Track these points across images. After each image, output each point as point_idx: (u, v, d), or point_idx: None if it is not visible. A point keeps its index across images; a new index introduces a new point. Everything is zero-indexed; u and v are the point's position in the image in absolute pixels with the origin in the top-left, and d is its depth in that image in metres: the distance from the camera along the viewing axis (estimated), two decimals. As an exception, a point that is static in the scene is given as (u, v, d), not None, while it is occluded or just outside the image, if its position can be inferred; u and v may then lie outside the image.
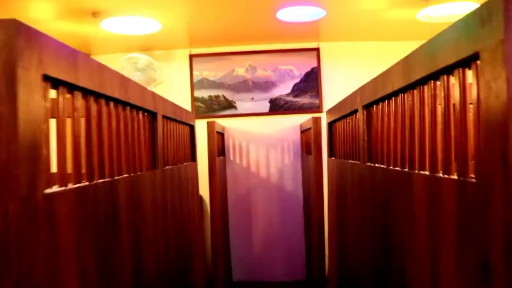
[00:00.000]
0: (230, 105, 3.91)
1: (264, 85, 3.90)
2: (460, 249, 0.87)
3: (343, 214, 2.26)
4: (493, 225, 0.74)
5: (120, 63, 3.48)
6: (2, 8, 2.72)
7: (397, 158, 1.31)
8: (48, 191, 0.79)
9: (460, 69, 0.87)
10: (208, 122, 2.99)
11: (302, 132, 3.72)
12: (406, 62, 1.14)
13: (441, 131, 0.99)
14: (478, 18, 0.74)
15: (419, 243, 1.10)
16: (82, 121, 1.02)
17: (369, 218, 1.64)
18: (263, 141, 3.94)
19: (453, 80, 0.92)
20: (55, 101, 0.89)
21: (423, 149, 1.11)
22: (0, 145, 0.68)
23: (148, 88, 3.59)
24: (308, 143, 3.30)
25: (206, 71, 3.91)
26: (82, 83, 0.94)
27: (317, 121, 2.81)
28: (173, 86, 3.89)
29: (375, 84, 1.49)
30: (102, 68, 1.06)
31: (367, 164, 1.65)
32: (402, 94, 1.25)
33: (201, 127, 3.24)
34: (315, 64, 3.89)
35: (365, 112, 1.67)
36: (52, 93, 0.89)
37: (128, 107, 1.31)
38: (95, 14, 2.91)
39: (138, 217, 1.36)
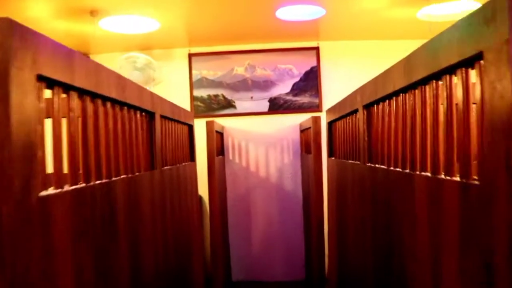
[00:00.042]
0: (229, 104, 3.89)
1: (264, 84, 3.89)
2: (462, 251, 0.86)
3: (343, 214, 2.25)
4: (496, 227, 0.72)
5: (119, 62, 3.46)
6: (0, 7, 2.70)
7: (398, 159, 1.30)
8: (43, 193, 0.78)
9: (463, 69, 0.85)
10: (207, 122, 2.98)
11: (302, 131, 3.70)
12: (408, 61, 1.13)
13: (443, 131, 0.98)
14: (482, 16, 0.72)
15: (421, 244, 1.09)
16: (79, 121, 1.01)
17: (369, 218, 1.63)
18: (263, 141, 3.93)
19: (456, 80, 0.90)
20: (50, 101, 0.88)
21: (424, 150, 1.09)
22: (-7, 147, 0.67)
23: (147, 88, 3.58)
24: (307, 142, 3.29)
25: (205, 70, 3.89)
26: (78, 83, 0.93)
27: (316, 120, 2.79)
28: (172, 85, 3.88)
29: (375, 84, 1.47)
30: (98, 68, 1.04)
31: (368, 164, 1.63)
32: (403, 94, 1.23)
33: (200, 126, 3.22)
34: (314, 63, 3.87)
35: (365, 112, 1.65)
36: (48, 93, 0.87)
37: (125, 107, 1.30)
38: (93, 13, 2.89)
39: (136, 219, 1.34)
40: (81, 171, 1.01)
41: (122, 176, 1.24)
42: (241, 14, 3.13)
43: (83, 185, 0.98)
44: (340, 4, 2.97)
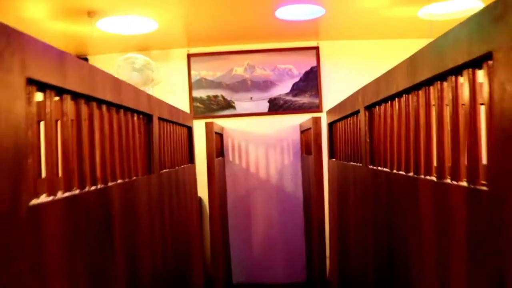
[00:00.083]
0: (228, 105, 3.86)
1: (263, 85, 3.85)
2: (471, 259, 0.82)
3: (344, 215, 2.21)
4: (507, 235, 0.69)
5: (117, 63, 3.43)
6: (-4, 8, 2.67)
7: (401, 162, 1.27)
8: (34, 202, 0.74)
9: (470, 69, 0.82)
10: (206, 123, 2.95)
11: (302, 132, 3.67)
12: (412, 61, 1.09)
13: (449, 134, 0.94)
14: (491, 14, 0.69)
15: (426, 249, 1.06)
16: (73, 125, 0.98)
17: (371, 220, 1.60)
18: (263, 142, 3.90)
19: (462, 80, 0.87)
20: (43, 104, 0.85)
21: (429, 153, 1.06)
22: (-21, 155, 0.64)
23: (146, 89, 3.55)
24: (308, 143, 3.26)
25: (204, 70, 3.86)
26: (71, 86, 0.89)
27: (317, 121, 2.76)
28: (171, 86, 3.85)
29: (377, 85, 1.44)
30: (92, 70, 1.01)
31: (370, 167, 1.60)
32: (407, 95, 1.20)
33: (199, 127, 3.19)
34: (314, 63, 3.84)
35: (367, 113, 1.62)
36: (41, 96, 0.84)
37: (121, 110, 1.27)
38: (90, 13, 2.86)
39: (133, 225, 1.31)
40: (75, 177, 0.97)
41: (118, 181, 1.21)
42: (240, 14, 3.10)
43: (77, 191, 0.95)
44: (340, 3, 2.94)
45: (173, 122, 1.99)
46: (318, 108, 3.83)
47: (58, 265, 0.82)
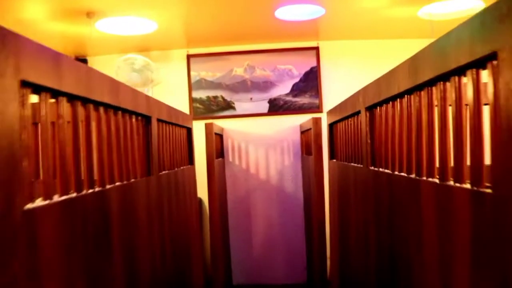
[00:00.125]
0: (228, 105, 3.85)
1: (263, 85, 3.84)
2: (474, 263, 0.81)
3: (345, 216, 2.20)
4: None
5: (117, 64, 3.42)
6: (-6, 9, 2.65)
7: (403, 164, 1.25)
8: (29, 206, 0.73)
9: (474, 70, 0.80)
10: (206, 124, 2.93)
11: (302, 132, 3.66)
12: (413, 62, 1.08)
13: (452, 134, 0.93)
14: (496, 13, 0.67)
15: (428, 251, 1.04)
16: (69, 127, 0.96)
17: (373, 221, 1.58)
18: (263, 142, 3.88)
19: (465, 80, 0.85)
20: (38, 106, 0.83)
21: (431, 154, 1.05)
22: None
23: (145, 89, 3.54)
24: (308, 144, 3.24)
25: (204, 71, 3.84)
26: (67, 88, 0.88)
27: (317, 121, 2.75)
28: (170, 87, 3.83)
29: (378, 85, 1.43)
30: (89, 71, 0.99)
31: (371, 168, 1.59)
32: (408, 96, 1.18)
33: (199, 128, 3.18)
34: (314, 64, 3.82)
35: (368, 114, 1.60)
36: (36, 98, 0.83)
37: (119, 112, 1.25)
38: (89, 14, 2.85)
39: (132, 228, 1.29)
40: (72, 180, 0.96)
41: (116, 184, 1.20)
42: (240, 14, 3.08)
43: (74, 195, 0.93)
44: (339, 3, 2.92)
45: (172, 124, 1.97)
46: (318, 108, 3.81)
47: (54, 269, 0.81)
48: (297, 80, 3.83)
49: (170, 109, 1.92)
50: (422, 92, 1.08)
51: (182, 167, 2.17)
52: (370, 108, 1.59)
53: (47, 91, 0.82)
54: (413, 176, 1.15)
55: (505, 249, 0.70)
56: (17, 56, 0.69)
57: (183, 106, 3.80)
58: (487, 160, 0.79)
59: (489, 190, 0.76)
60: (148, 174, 1.55)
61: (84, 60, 3.80)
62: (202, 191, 3.13)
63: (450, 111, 0.94)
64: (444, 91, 0.96)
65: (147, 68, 3.49)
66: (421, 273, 1.10)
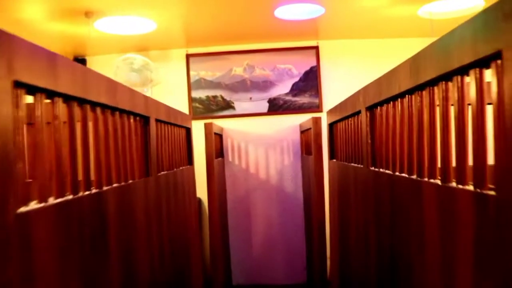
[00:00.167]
0: (228, 105, 3.83)
1: (263, 85, 3.82)
2: (477, 266, 0.79)
3: (345, 216, 2.19)
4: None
5: (116, 64, 3.40)
6: (-8, 8, 2.64)
7: (404, 164, 1.24)
8: (22, 209, 0.71)
9: (477, 69, 0.79)
10: (205, 124, 2.92)
11: (302, 132, 3.64)
12: (415, 61, 1.06)
13: (455, 135, 0.91)
14: (500, 12, 0.66)
15: (429, 253, 1.03)
16: (65, 128, 0.95)
17: (373, 221, 1.57)
18: (262, 142, 3.87)
19: (468, 79, 0.84)
20: (33, 107, 0.81)
21: (433, 155, 1.03)
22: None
23: (145, 89, 3.52)
24: (308, 143, 3.23)
25: (203, 71, 3.83)
26: (63, 89, 0.86)
27: (317, 121, 2.73)
28: (169, 87, 3.82)
29: (379, 85, 1.41)
30: (86, 72, 0.98)
31: (371, 168, 1.57)
32: (410, 96, 1.17)
33: (198, 128, 3.17)
34: (314, 63, 3.81)
35: (368, 114, 1.59)
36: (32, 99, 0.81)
37: (117, 112, 1.23)
38: (88, 14, 2.83)
39: (130, 230, 1.28)
40: (68, 182, 0.94)
41: (114, 185, 1.18)
42: (239, 13, 3.07)
43: (70, 197, 0.92)
44: (339, 3, 2.91)
45: (171, 124, 1.95)
46: (318, 108, 3.80)
47: (49, 273, 0.79)
48: (296, 79, 3.82)
49: (169, 109, 1.91)
50: (424, 92, 1.06)
51: (181, 168, 2.16)
52: (371, 108, 1.58)
53: (42, 91, 0.81)
54: (414, 177, 1.14)
55: (508, 253, 0.68)
56: (10, 56, 0.68)
57: (183, 106, 3.79)
58: (490, 160, 0.78)
59: (492, 192, 0.74)
60: (147, 175, 1.53)
61: (83, 60, 3.78)
62: (202, 191, 3.11)
63: (452, 111, 0.93)
64: (446, 90, 0.94)
65: (146, 68, 3.48)
66: (422, 274, 1.09)
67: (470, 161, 0.85)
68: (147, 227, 1.47)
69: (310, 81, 3.81)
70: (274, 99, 3.82)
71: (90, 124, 1.07)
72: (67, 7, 2.72)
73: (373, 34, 3.70)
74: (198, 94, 3.82)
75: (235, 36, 3.62)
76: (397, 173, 1.29)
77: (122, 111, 1.28)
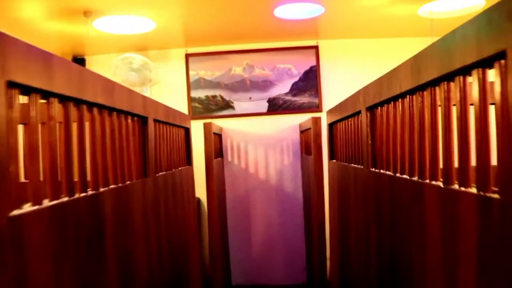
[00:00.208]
0: (227, 105, 3.81)
1: (262, 85, 3.81)
2: (481, 271, 0.78)
3: (345, 216, 2.17)
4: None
5: (115, 64, 3.39)
6: (-11, 7, 2.62)
7: (405, 165, 1.22)
8: (15, 212, 0.70)
9: (480, 69, 0.77)
10: (204, 124, 2.91)
11: (302, 132, 3.63)
12: (416, 61, 1.05)
13: (457, 135, 0.89)
14: (504, 11, 0.64)
15: (431, 256, 1.01)
16: (61, 129, 0.93)
17: (373, 222, 1.56)
18: (262, 142, 3.85)
19: (470, 79, 0.82)
20: (27, 108, 0.80)
21: (435, 156, 1.02)
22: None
23: (144, 89, 3.50)
24: (307, 143, 3.21)
25: (203, 70, 3.81)
26: (58, 89, 0.85)
27: (316, 121, 2.72)
28: (169, 86, 3.80)
29: (380, 85, 1.39)
30: (82, 71, 0.96)
31: (371, 169, 1.56)
32: (411, 96, 1.15)
33: (198, 128, 3.15)
34: (314, 63, 3.79)
35: (368, 114, 1.57)
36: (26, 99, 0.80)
37: (114, 112, 1.22)
38: (86, 13, 2.82)
39: (127, 231, 1.26)
40: (64, 184, 0.93)
41: (111, 187, 1.17)
42: (239, 13, 3.05)
43: (66, 199, 0.90)
44: (339, 2, 2.89)
45: (169, 124, 1.94)
46: (317, 108, 3.78)
47: (44, 276, 0.78)
48: (296, 79, 3.80)
49: (168, 109, 1.89)
50: (425, 92, 1.05)
51: (180, 168, 2.14)
52: (371, 108, 1.56)
53: (37, 92, 0.79)
54: (415, 178, 1.13)
55: (513, 256, 0.67)
56: (3, 56, 0.66)
57: (182, 106, 3.77)
58: (493, 161, 0.76)
59: (496, 195, 0.73)
60: (145, 176, 1.52)
61: (82, 60, 3.77)
62: (201, 191, 3.10)
63: (454, 111, 0.91)
64: (448, 91, 0.93)
65: (145, 68, 3.46)
66: (422, 275, 1.07)
67: (473, 163, 0.84)
68: (145, 228, 1.45)
69: (310, 80, 3.79)
70: (274, 99, 3.81)
71: (87, 125, 1.06)
72: (66, 7, 2.70)
73: (373, 33, 3.68)
74: (198, 94, 3.81)
75: (235, 36, 3.61)
76: (398, 175, 1.28)
77: (120, 112, 1.26)
